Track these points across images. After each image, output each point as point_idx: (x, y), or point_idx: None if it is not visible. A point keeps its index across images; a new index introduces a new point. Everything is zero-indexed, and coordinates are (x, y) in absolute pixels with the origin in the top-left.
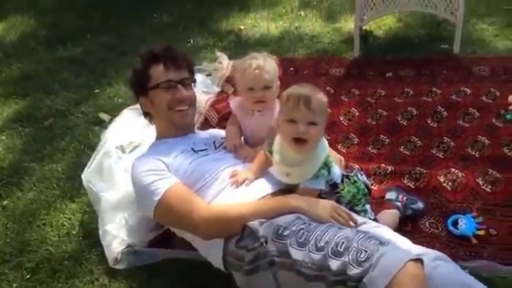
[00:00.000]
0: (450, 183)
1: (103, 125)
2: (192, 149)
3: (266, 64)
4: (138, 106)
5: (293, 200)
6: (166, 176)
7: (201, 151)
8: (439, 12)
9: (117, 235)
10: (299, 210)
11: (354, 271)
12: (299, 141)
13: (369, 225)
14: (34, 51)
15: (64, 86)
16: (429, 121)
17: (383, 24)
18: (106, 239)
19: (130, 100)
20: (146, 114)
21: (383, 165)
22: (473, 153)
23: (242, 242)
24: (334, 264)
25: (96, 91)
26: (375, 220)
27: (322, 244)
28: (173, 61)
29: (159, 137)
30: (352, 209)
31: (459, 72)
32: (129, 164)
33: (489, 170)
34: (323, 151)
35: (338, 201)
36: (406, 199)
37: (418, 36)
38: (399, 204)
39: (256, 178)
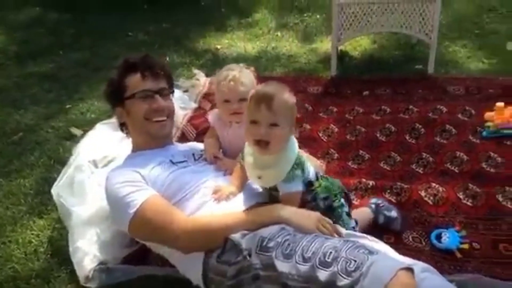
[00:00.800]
0: (431, 198)
1: (75, 139)
2: (171, 160)
3: (241, 76)
4: (112, 120)
5: (277, 211)
6: (142, 187)
7: (180, 162)
8: (414, 33)
9: (88, 251)
10: (284, 221)
11: (343, 281)
12: (260, 143)
13: (355, 237)
14: (3, 66)
15: (34, 101)
16: (407, 137)
17: (358, 45)
18: (76, 256)
19: (104, 115)
20: (122, 126)
21: (364, 180)
22: (453, 168)
23: (224, 256)
24: (323, 275)
25: (68, 106)
26: (355, 222)
27: (309, 254)
28: (151, 70)
29: (136, 149)
30: (329, 207)
31: (434, 91)
32: (102, 178)
33: (469, 184)
34: (292, 151)
35: (314, 198)
36: (382, 206)
37: (392, 57)
38: (373, 205)
39: (239, 191)
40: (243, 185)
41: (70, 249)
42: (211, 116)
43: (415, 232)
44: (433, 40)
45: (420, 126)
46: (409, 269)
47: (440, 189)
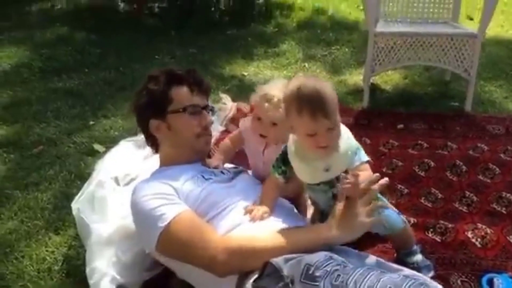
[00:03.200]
0: (479, 239)
1: (97, 156)
2: (202, 176)
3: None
4: (136, 138)
5: (326, 229)
6: (175, 201)
7: (211, 178)
8: (452, 68)
9: (107, 272)
10: (335, 239)
11: None
12: (321, 147)
13: (408, 271)
14: (27, 80)
15: (57, 116)
16: (448, 174)
17: (389, 79)
18: (94, 276)
19: (127, 133)
20: (152, 140)
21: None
22: (499, 209)
23: (262, 282)
24: None
25: (91, 122)
26: None
27: None
28: (198, 85)
29: (167, 163)
30: None
31: (473, 129)
32: (124, 197)
33: None
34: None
35: None
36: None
37: (426, 93)
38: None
39: (271, 210)
40: (274, 203)
41: (87, 269)
42: (245, 123)
43: (464, 275)
44: (472, 76)
45: (461, 163)
46: None
47: (488, 230)
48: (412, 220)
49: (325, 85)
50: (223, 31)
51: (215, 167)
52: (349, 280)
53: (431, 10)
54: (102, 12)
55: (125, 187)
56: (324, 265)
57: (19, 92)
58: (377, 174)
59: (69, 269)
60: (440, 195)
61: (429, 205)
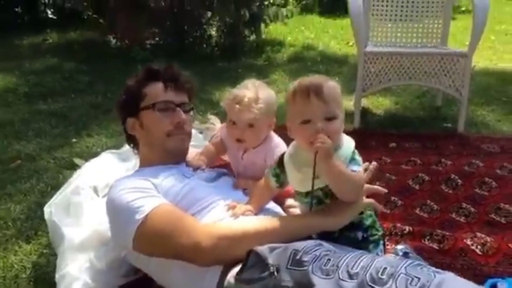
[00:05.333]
0: (479, 246)
1: (76, 169)
2: (184, 174)
3: (256, 99)
4: (119, 151)
5: (316, 214)
6: (153, 194)
7: (193, 176)
8: (444, 87)
9: (79, 277)
10: (327, 223)
11: None
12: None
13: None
14: (11, 104)
15: (38, 134)
16: (443, 187)
17: (380, 104)
18: (63, 281)
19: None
20: (130, 139)
21: (398, 224)
22: (499, 219)
23: (245, 274)
24: None
25: (74, 140)
26: None
27: (356, 270)
28: (175, 81)
29: (145, 164)
30: (366, 239)
31: (467, 147)
32: (101, 207)
33: None
34: (350, 143)
35: (360, 221)
36: (411, 255)
37: (417, 116)
38: (400, 252)
39: (256, 212)
40: (261, 206)
41: (57, 275)
42: (223, 131)
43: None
44: (463, 96)
45: (456, 177)
46: None
47: (488, 239)
48: (407, 228)
49: (328, 79)
50: (214, 63)
51: (197, 167)
52: (340, 262)
53: (419, 35)
54: (93, 46)
55: (104, 199)
56: (313, 250)
57: (1, 114)
58: (367, 163)
59: (37, 276)
60: (436, 207)
61: (425, 215)
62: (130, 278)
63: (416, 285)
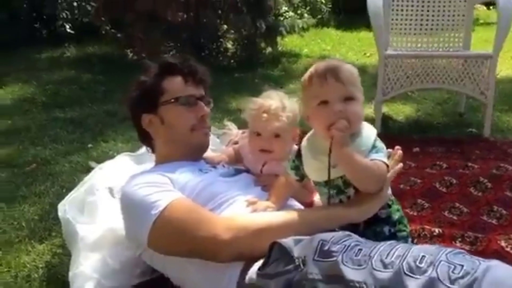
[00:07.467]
0: None
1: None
2: (200, 169)
3: (282, 108)
4: (135, 153)
5: (341, 206)
6: (169, 189)
7: (211, 171)
8: (468, 91)
9: (91, 276)
10: (352, 215)
11: None
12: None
13: None
14: (29, 112)
15: (55, 140)
16: (472, 190)
17: (401, 112)
18: (77, 281)
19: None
20: (145, 138)
21: (427, 226)
22: None
23: (268, 268)
24: (414, 283)
25: (89, 145)
26: None
27: (391, 259)
28: (193, 75)
29: (161, 161)
30: (394, 234)
31: (494, 152)
32: (116, 207)
33: None
34: (371, 131)
35: (389, 216)
36: None
37: (440, 122)
38: None
39: (277, 209)
40: (282, 202)
41: (70, 274)
42: (244, 141)
43: None
44: (489, 99)
45: (485, 180)
46: None
47: None
48: (437, 230)
49: (345, 62)
50: (231, 74)
51: (218, 163)
52: (373, 252)
53: (440, 44)
54: (111, 59)
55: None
56: (342, 240)
57: (19, 121)
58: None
59: (50, 276)
60: (465, 209)
61: (454, 217)
62: (145, 277)
63: (459, 273)
